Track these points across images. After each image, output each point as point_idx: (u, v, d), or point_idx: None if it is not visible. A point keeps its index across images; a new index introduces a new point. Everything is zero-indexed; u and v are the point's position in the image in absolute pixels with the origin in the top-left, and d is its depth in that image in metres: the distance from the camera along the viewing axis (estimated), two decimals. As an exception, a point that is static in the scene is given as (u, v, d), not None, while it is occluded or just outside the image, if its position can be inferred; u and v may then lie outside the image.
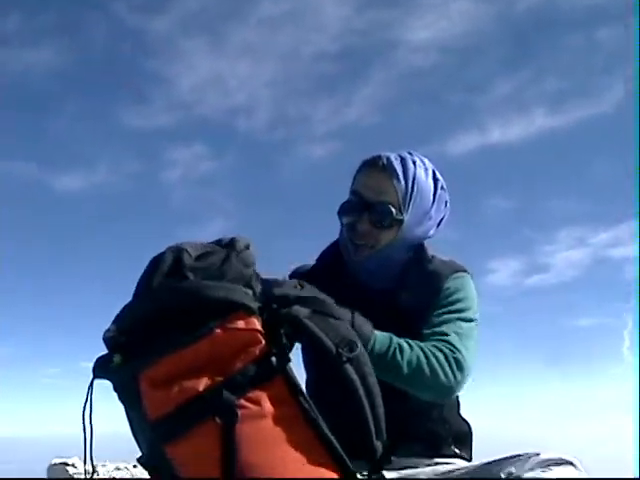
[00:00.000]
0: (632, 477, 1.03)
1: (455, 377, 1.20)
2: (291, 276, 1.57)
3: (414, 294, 1.38)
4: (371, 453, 0.86)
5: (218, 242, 0.94)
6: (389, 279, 1.42)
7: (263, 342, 0.84)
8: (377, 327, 1.14)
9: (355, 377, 0.86)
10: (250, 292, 0.88)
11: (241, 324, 0.84)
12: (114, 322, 0.87)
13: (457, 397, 1.51)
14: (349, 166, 1.48)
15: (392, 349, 1.14)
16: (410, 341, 1.19)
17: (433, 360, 1.18)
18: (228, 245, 0.92)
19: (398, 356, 1.14)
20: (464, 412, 1.54)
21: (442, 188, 1.44)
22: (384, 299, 1.37)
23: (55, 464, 7.71)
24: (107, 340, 0.86)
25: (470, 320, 1.33)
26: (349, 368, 0.86)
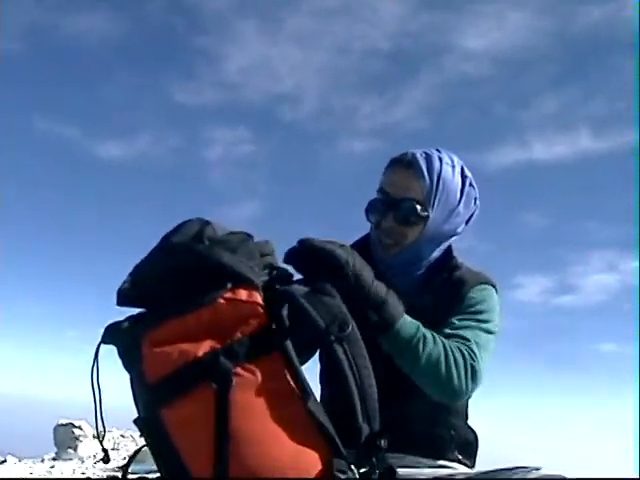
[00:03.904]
0: (632, 477, 1.02)
1: (467, 384, 1.20)
2: None
3: (437, 297, 1.38)
4: (356, 434, 0.86)
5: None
6: (415, 279, 1.43)
7: (264, 316, 0.87)
8: None
9: (343, 357, 0.87)
10: (257, 269, 0.91)
11: (244, 296, 0.86)
12: (130, 274, 0.92)
13: (466, 406, 1.51)
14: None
15: (416, 338, 1.14)
16: (436, 335, 1.19)
17: (451, 361, 1.18)
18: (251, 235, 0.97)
19: (420, 346, 1.15)
20: (472, 421, 1.52)
21: (470, 185, 1.43)
22: (410, 296, 1.37)
23: (62, 424, 7.88)
24: (120, 292, 0.90)
25: (490, 332, 1.33)
26: (338, 347, 0.87)
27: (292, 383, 0.85)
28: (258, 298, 0.87)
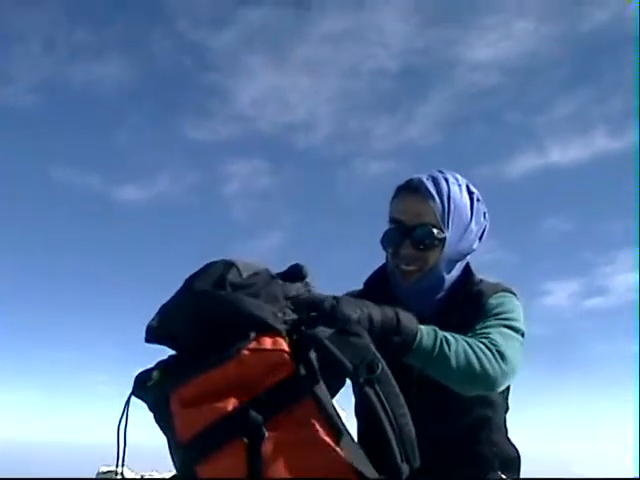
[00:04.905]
0: (633, 477, 0.99)
1: (501, 368, 1.18)
2: None
3: (461, 315, 1.37)
4: (395, 475, 0.83)
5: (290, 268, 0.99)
6: (438, 302, 1.43)
7: (291, 363, 0.84)
8: None
9: (374, 398, 0.84)
10: (280, 314, 0.89)
11: (268, 345, 0.85)
12: (157, 312, 0.94)
13: (505, 420, 1.47)
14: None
15: (438, 342, 1.12)
16: (454, 334, 1.18)
17: (479, 351, 1.17)
18: (285, 273, 0.97)
19: (445, 349, 1.13)
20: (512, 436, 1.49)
21: (478, 200, 1.44)
22: (435, 322, 1.36)
23: (103, 472, 7.89)
24: (148, 329, 0.93)
25: (514, 329, 1.31)
26: (368, 389, 0.84)
27: (325, 429, 0.82)
28: (283, 345, 0.85)
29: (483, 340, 1.21)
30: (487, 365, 1.16)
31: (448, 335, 1.15)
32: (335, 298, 0.97)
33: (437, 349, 1.12)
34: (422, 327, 1.12)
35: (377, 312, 1.02)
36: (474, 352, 1.16)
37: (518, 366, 1.23)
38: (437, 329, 1.15)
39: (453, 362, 1.13)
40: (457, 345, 1.14)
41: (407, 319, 1.08)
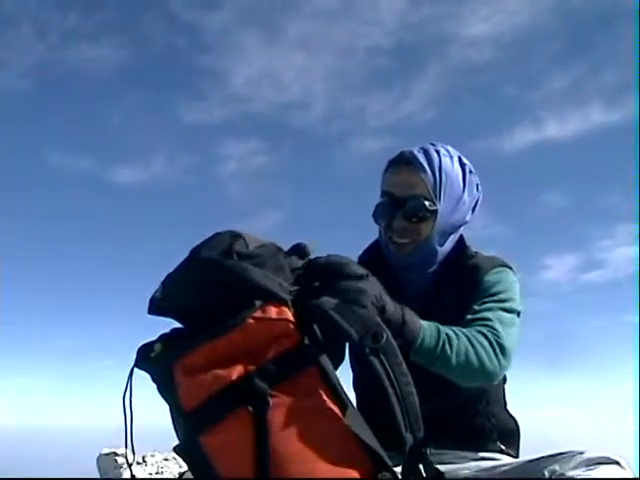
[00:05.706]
0: (633, 477, 1.01)
1: (499, 363, 1.19)
2: None
3: (455, 288, 1.37)
4: (400, 445, 0.84)
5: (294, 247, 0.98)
6: (432, 274, 1.43)
7: (296, 332, 0.85)
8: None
9: (379, 367, 0.85)
10: (286, 284, 0.89)
11: (273, 313, 0.85)
12: (161, 284, 0.92)
13: (504, 392, 1.49)
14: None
15: (441, 342, 1.12)
16: (456, 329, 1.18)
17: (479, 348, 1.17)
18: (291, 249, 0.96)
19: (447, 349, 1.12)
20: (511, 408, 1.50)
21: (470, 172, 1.43)
22: (428, 295, 1.36)
23: (105, 454, 7.94)
24: (151, 301, 0.91)
25: (512, 311, 1.31)
26: (373, 359, 0.85)
27: (330, 398, 0.83)
28: (288, 314, 0.85)
29: (483, 330, 1.21)
30: (487, 362, 1.16)
31: (450, 332, 1.15)
32: (363, 278, 0.94)
33: (439, 350, 1.11)
34: (425, 327, 1.10)
35: (390, 307, 0.99)
36: (475, 349, 1.16)
37: (514, 353, 1.24)
38: (440, 327, 1.14)
39: (454, 361, 1.13)
40: (459, 343, 1.14)
41: (411, 318, 1.06)
